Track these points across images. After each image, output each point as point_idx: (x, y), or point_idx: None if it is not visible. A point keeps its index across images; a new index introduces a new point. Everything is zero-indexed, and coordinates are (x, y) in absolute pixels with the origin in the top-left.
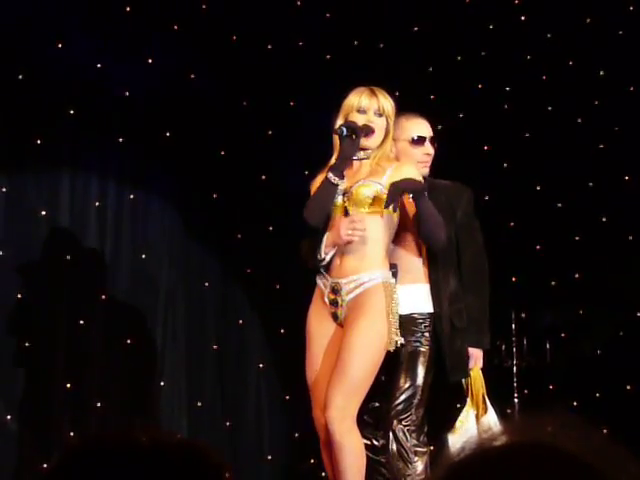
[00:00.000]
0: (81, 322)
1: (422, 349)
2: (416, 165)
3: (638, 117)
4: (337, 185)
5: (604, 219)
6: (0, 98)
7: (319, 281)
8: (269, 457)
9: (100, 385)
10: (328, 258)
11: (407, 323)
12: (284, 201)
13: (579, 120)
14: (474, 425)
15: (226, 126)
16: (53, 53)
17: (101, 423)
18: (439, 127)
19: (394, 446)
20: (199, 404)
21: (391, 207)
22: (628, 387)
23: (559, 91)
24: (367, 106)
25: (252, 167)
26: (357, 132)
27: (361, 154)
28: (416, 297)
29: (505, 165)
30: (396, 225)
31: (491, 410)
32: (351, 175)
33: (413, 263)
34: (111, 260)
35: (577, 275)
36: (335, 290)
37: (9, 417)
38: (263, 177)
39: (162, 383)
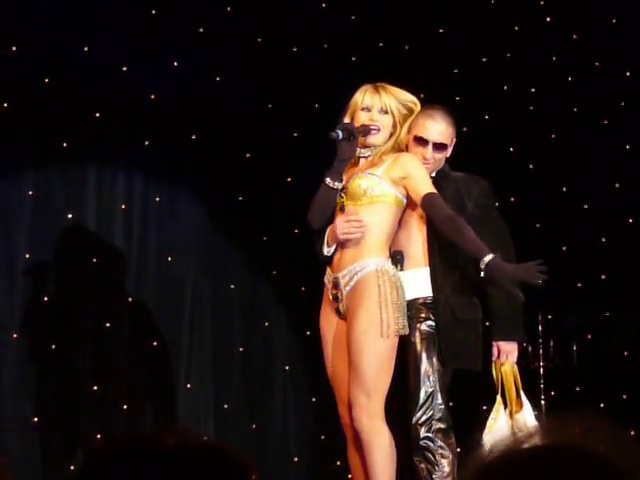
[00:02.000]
0: (107, 324)
1: (430, 338)
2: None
3: None
4: (336, 189)
5: (630, 220)
6: (26, 101)
7: (325, 279)
8: (295, 459)
9: (126, 387)
10: (329, 254)
11: (414, 309)
12: (310, 203)
13: (605, 121)
14: (506, 423)
15: (252, 128)
16: (79, 55)
17: (127, 425)
18: (464, 129)
19: (419, 449)
20: (225, 406)
21: (398, 197)
22: None
23: (585, 92)
24: (370, 104)
25: (278, 169)
26: (354, 134)
27: (365, 152)
28: (419, 281)
29: (531, 166)
30: (398, 216)
31: (527, 406)
32: (353, 171)
33: (416, 248)
34: (137, 262)
35: (603, 276)
36: (336, 285)
37: (36, 419)
38: (289, 179)
39: (188, 385)
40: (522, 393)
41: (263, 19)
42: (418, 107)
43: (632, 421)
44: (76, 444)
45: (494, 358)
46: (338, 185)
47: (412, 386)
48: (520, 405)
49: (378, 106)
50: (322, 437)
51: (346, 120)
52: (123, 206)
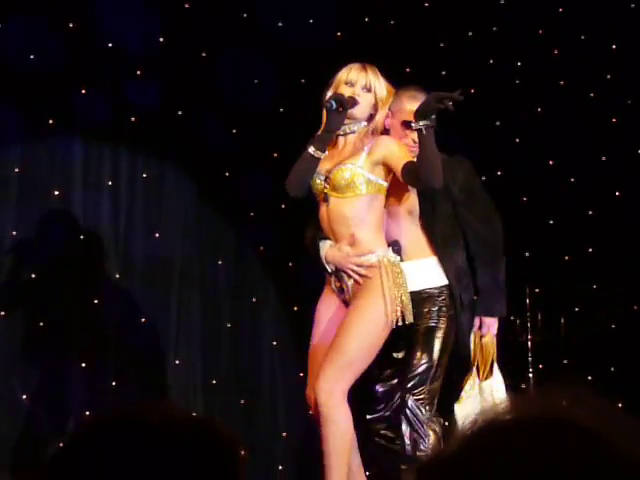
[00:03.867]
0: (95, 301)
1: (437, 325)
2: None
3: None
4: (318, 158)
5: (617, 193)
6: (11, 77)
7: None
8: (284, 434)
9: (115, 364)
10: (331, 270)
11: (419, 300)
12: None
13: (592, 94)
14: (477, 393)
15: (237, 104)
16: (66, 31)
17: (116, 402)
18: (450, 103)
19: (407, 418)
20: (214, 382)
21: (380, 183)
22: None
23: (571, 65)
24: (355, 79)
25: (264, 144)
26: (344, 104)
27: (346, 128)
28: (425, 272)
29: (517, 140)
30: (383, 203)
31: (497, 377)
32: (335, 155)
33: (415, 238)
34: (125, 239)
35: (591, 250)
36: (339, 278)
37: (24, 397)
38: (275, 154)
39: (177, 362)
40: (495, 364)
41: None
42: (392, 97)
43: (620, 394)
44: (65, 421)
45: (475, 329)
46: (320, 155)
47: (409, 361)
48: (491, 374)
49: (362, 82)
50: (310, 412)
51: (328, 94)
52: (109, 183)
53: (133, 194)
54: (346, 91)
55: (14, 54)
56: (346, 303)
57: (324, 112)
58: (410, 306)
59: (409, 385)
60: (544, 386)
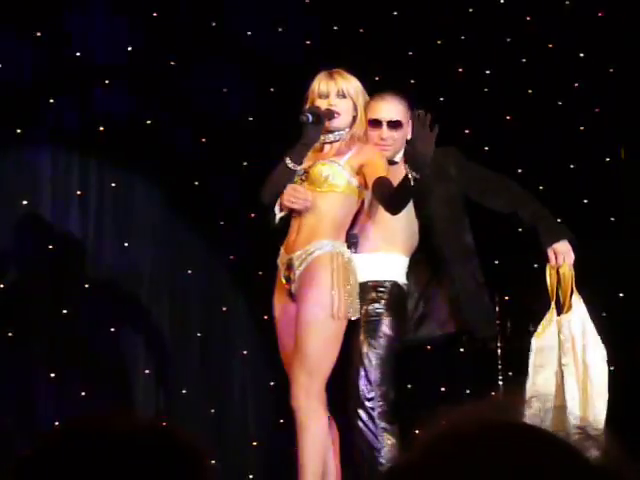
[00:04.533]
0: (64, 311)
1: (380, 318)
2: (376, 148)
3: (618, 98)
4: (294, 171)
5: (585, 201)
6: None
7: (278, 261)
8: (254, 443)
9: (84, 374)
10: (280, 215)
11: (363, 291)
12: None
13: (559, 102)
14: (555, 329)
15: (207, 112)
16: (34, 40)
17: (86, 412)
18: (418, 111)
19: (359, 431)
20: (184, 391)
21: (355, 185)
22: (612, 368)
23: (539, 74)
24: (326, 90)
25: (233, 154)
26: (321, 118)
27: (330, 137)
28: (373, 265)
29: (486, 148)
30: (357, 206)
31: (577, 308)
32: (317, 156)
33: (370, 231)
34: (94, 248)
35: None
36: (289, 266)
37: None
38: (244, 163)
39: (147, 371)
40: (575, 296)
41: (218, 3)
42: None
43: None
44: (34, 431)
45: (551, 262)
46: (297, 167)
47: (353, 369)
48: (570, 307)
49: (334, 90)
50: (281, 421)
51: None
52: (78, 192)
53: (102, 203)
54: (322, 103)
55: None
56: (292, 296)
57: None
58: (357, 301)
59: (355, 398)
60: (511, 393)
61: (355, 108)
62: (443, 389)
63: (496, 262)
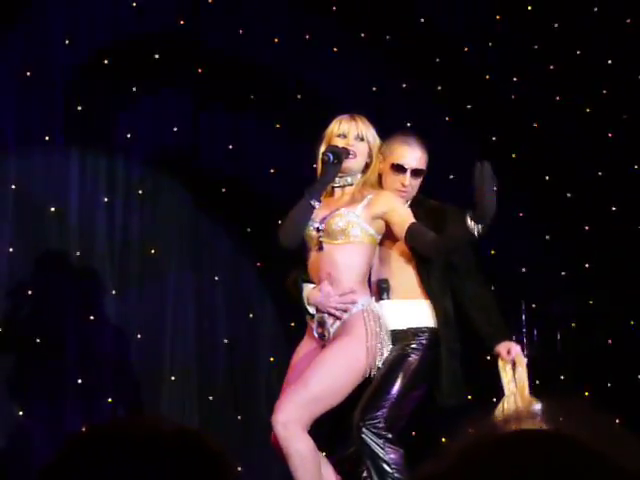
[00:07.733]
0: (91, 318)
1: (407, 357)
2: (394, 192)
3: None
4: (314, 207)
5: (614, 208)
6: (9, 96)
7: (307, 317)
8: None
9: (111, 381)
10: (313, 311)
11: (399, 337)
12: (294, 194)
13: (587, 110)
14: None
15: (235, 119)
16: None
17: (112, 419)
18: (447, 119)
19: (365, 451)
20: (210, 398)
21: (374, 236)
22: None
23: (567, 81)
24: (347, 131)
25: (262, 161)
26: (340, 157)
27: (341, 181)
28: (412, 311)
29: (514, 156)
30: (375, 253)
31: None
32: (332, 203)
33: (406, 278)
34: (121, 255)
35: (587, 265)
36: (321, 324)
37: (21, 413)
38: (272, 170)
39: (173, 378)
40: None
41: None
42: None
43: (617, 409)
44: (61, 438)
45: (509, 358)
46: (316, 204)
47: (373, 386)
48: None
49: (354, 133)
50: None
51: (321, 149)
52: (105, 199)
53: (129, 211)
54: (339, 143)
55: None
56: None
57: (319, 164)
58: (387, 352)
59: (360, 412)
60: (542, 402)
61: (370, 155)
62: (469, 397)
63: (523, 270)
